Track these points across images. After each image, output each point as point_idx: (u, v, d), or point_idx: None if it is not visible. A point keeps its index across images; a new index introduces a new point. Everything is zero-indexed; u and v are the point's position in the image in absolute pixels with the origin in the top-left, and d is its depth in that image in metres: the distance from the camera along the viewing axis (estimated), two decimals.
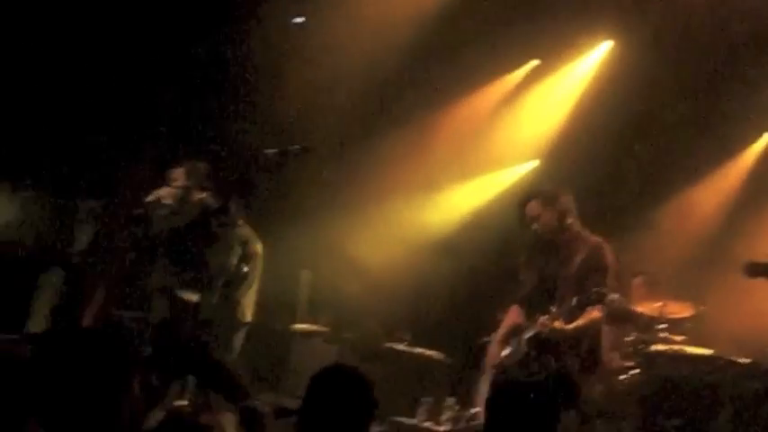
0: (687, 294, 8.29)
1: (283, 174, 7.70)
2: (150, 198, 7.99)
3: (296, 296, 9.44)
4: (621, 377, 7.91)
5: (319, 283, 9.44)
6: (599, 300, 6.91)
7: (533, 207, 7.36)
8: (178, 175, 7.99)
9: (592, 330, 7.26)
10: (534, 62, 10.06)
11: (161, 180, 8.09)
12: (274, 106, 9.24)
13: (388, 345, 8.96)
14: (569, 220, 7.39)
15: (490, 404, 4.17)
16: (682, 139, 9.35)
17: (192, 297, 7.72)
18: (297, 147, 7.23)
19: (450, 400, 8.35)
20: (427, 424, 8.15)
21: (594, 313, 7.14)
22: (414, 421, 8.08)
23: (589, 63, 9.78)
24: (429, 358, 8.32)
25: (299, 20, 9.48)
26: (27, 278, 9.09)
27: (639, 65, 9.19)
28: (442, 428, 8.13)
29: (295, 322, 9.12)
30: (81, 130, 9.38)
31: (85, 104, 9.35)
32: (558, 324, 7.04)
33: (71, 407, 3.22)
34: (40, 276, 9.08)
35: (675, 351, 7.90)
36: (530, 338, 7.19)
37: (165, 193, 7.97)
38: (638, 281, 8.70)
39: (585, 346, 7.22)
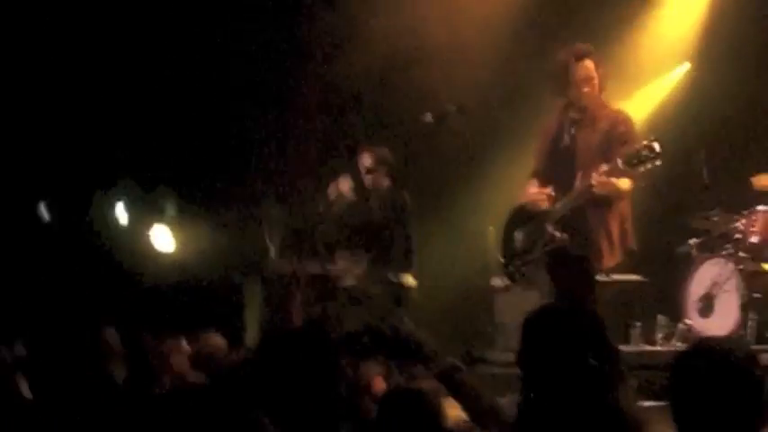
0: None
1: (444, 137, 7.75)
2: (332, 196, 8.15)
3: (487, 253, 9.50)
4: None
5: None
6: (650, 158, 6.12)
7: (589, 67, 6.65)
8: (369, 162, 8.09)
9: (625, 205, 6.64)
10: None
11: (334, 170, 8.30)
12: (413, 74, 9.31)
13: None
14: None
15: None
16: None
17: (409, 280, 7.88)
18: (453, 107, 7.22)
19: (662, 318, 8.31)
20: (645, 347, 8.13)
21: (627, 183, 6.51)
22: (631, 347, 8.05)
23: None
24: (630, 282, 8.27)
25: None
26: (236, 296, 9.50)
27: None
28: (660, 348, 8.10)
29: (490, 278, 9.21)
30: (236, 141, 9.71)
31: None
32: (615, 180, 6.37)
33: (294, 400, 3.45)
34: (245, 292, 9.47)
35: None
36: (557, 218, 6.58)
37: (346, 189, 8.11)
38: None
39: (617, 226, 6.60)
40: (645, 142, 6.23)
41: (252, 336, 8.97)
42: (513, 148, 8.65)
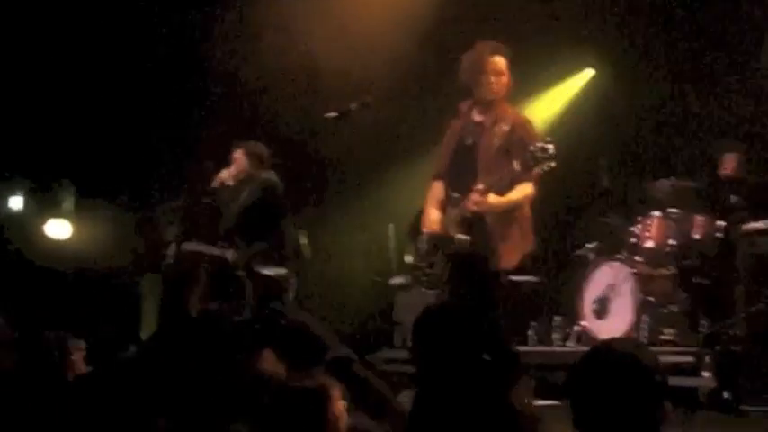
0: None
1: (347, 133, 7.74)
2: (215, 184, 8.15)
3: (388, 251, 9.52)
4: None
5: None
6: (545, 159, 6.11)
7: (501, 63, 6.65)
8: (238, 155, 8.14)
9: (525, 208, 6.68)
10: None
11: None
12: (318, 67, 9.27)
13: None
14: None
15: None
16: None
17: (278, 271, 7.86)
18: (355, 104, 7.18)
19: (558, 319, 8.42)
20: (542, 347, 8.23)
21: (529, 188, 6.57)
22: (528, 348, 8.14)
23: None
24: (528, 284, 8.35)
25: None
26: (133, 290, 9.37)
27: None
28: (556, 348, 8.21)
29: (391, 276, 9.22)
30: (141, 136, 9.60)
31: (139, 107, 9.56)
32: (492, 198, 6.43)
33: (189, 391, 3.41)
34: (142, 285, 9.34)
35: None
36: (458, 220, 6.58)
37: (227, 176, 8.13)
38: (728, 158, 8.26)
39: (516, 229, 6.64)
40: (539, 144, 6.25)
41: (148, 329, 8.85)
42: (416, 147, 8.68)
